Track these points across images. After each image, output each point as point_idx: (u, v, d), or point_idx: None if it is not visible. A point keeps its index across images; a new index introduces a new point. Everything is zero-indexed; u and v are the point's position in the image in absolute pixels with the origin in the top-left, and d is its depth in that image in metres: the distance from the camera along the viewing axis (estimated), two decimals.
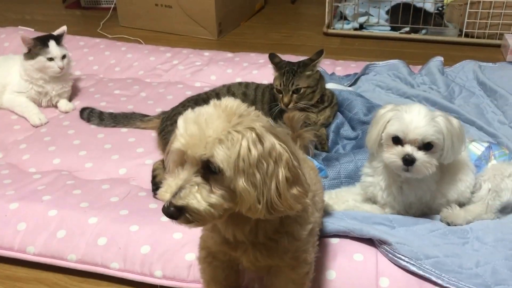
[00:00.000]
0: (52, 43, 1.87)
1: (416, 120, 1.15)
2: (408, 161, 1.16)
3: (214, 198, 0.79)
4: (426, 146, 1.15)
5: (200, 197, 0.78)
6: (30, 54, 1.86)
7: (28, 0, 3.81)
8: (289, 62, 1.61)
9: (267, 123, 0.83)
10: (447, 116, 1.20)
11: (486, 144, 1.32)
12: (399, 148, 1.17)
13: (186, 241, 1.24)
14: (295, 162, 0.82)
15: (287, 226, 0.90)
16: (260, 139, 0.79)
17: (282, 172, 0.80)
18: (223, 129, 0.78)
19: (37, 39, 1.89)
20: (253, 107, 0.85)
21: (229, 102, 0.83)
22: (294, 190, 0.82)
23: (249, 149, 0.78)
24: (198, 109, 0.83)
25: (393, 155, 1.18)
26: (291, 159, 0.81)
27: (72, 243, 1.24)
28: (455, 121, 1.20)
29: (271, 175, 0.79)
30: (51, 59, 1.86)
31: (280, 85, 1.55)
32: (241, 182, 0.78)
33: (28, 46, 1.86)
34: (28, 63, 1.86)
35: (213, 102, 0.83)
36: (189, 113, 0.82)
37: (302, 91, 1.54)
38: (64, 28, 1.95)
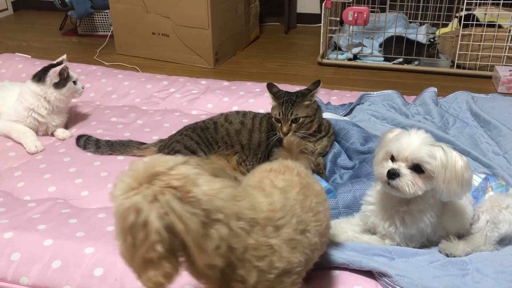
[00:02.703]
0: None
1: (411, 141, 1.16)
2: (391, 174, 1.16)
3: None
4: (417, 168, 1.15)
5: None
6: (61, 83, 1.89)
7: (25, 27, 3.85)
8: (287, 92, 1.63)
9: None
10: (450, 152, 1.16)
11: (483, 176, 1.33)
12: (390, 163, 1.19)
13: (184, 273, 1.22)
14: None
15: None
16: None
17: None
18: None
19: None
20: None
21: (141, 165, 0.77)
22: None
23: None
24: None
25: (382, 167, 1.19)
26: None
27: (67, 274, 1.22)
28: (459, 163, 1.14)
29: None
30: (75, 82, 1.94)
31: (279, 115, 1.57)
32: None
33: (64, 75, 1.90)
34: (60, 92, 1.89)
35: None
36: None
37: (301, 120, 1.56)
38: (64, 56, 1.97)
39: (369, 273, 1.18)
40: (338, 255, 1.20)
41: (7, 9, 4.14)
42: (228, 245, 0.80)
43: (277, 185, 0.97)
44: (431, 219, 1.24)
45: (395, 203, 1.24)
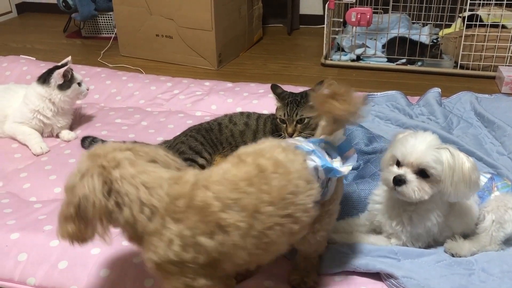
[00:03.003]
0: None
1: (416, 145, 1.16)
2: (397, 180, 1.16)
3: None
4: (422, 173, 1.15)
5: None
6: (66, 85, 1.91)
7: (29, 29, 3.86)
8: (291, 93, 1.63)
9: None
10: (457, 154, 1.15)
11: (488, 175, 1.33)
12: (395, 168, 1.19)
13: None
14: None
15: None
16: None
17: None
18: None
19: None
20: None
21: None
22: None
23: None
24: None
25: (388, 173, 1.19)
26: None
27: (74, 275, 1.23)
28: (467, 164, 1.14)
29: None
30: (79, 84, 1.95)
31: (284, 115, 1.57)
32: None
33: (67, 77, 1.91)
34: (65, 94, 1.90)
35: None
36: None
37: (306, 121, 1.56)
38: (68, 58, 1.98)
39: (375, 275, 1.19)
40: (344, 259, 1.20)
41: (11, 11, 4.16)
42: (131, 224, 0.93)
43: (209, 177, 0.96)
44: (438, 219, 1.24)
45: (403, 203, 1.24)
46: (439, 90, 2.18)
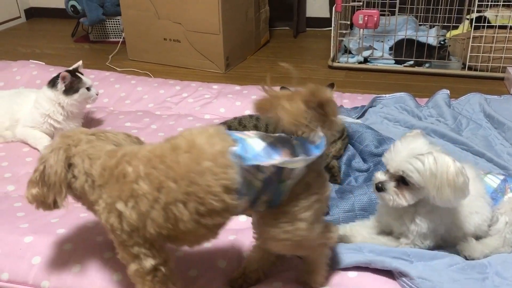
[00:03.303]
0: (81, 75, 1.95)
1: (398, 152, 1.18)
2: (378, 188, 1.21)
3: None
4: (403, 180, 1.17)
5: None
6: (72, 89, 1.90)
7: (37, 34, 3.90)
8: None
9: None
10: (442, 158, 1.13)
11: (501, 177, 1.33)
12: (379, 174, 1.23)
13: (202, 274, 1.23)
14: None
15: None
16: None
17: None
18: None
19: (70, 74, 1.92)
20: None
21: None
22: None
23: None
24: None
25: (374, 178, 1.23)
26: None
27: (87, 278, 1.23)
28: (452, 169, 1.12)
29: None
30: (88, 88, 1.95)
31: None
32: None
33: (66, 83, 1.89)
34: (72, 98, 1.90)
35: None
36: None
37: None
38: (79, 63, 2.00)
39: (389, 273, 1.19)
40: (356, 256, 1.20)
41: (20, 17, 4.20)
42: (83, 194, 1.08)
43: (137, 152, 1.04)
44: (443, 219, 1.24)
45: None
46: (448, 91, 2.18)
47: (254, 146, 1.02)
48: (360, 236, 1.33)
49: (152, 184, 0.99)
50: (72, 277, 1.24)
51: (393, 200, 1.19)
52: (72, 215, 1.46)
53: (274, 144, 1.04)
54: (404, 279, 1.15)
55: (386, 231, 1.35)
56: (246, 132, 1.08)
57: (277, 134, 1.08)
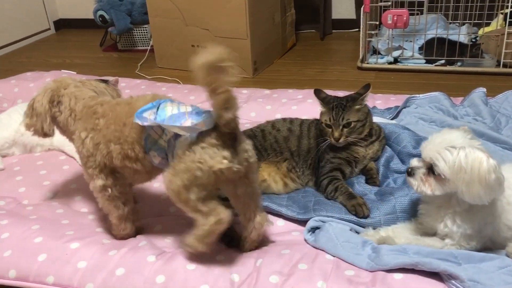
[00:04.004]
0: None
1: (432, 140, 1.21)
2: (408, 172, 1.25)
3: None
4: (433, 169, 1.18)
5: None
6: None
7: (67, 44, 3.98)
8: (336, 97, 1.62)
9: None
10: (475, 154, 1.12)
11: None
12: (415, 160, 1.26)
13: (242, 281, 1.22)
14: None
15: None
16: None
17: None
18: None
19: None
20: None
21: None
22: None
23: None
24: None
25: (409, 163, 1.27)
26: None
27: (131, 281, 1.24)
28: (484, 165, 1.10)
29: None
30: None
31: (330, 120, 1.56)
32: None
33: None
34: None
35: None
36: None
37: (352, 125, 1.54)
38: (116, 78, 2.04)
39: (436, 276, 1.16)
40: (401, 258, 1.18)
41: (49, 28, 4.30)
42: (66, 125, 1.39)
43: (109, 102, 1.36)
44: (487, 219, 1.21)
45: (442, 204, 1.24)
46: (484, 89, 2.12)
47: (166, 112, 1.18)
48: (404, 238, 1.31)
49: (105, 124, 1.29)
50: (116, 280, 1.25)
51: (417, 186, 1.22)
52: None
53: (185, 113, 1.17)
54: (453, 281, 1.11)
55: (429, 234, 1.32)
56: (181, 103, 1.23)
57: (195, 106, 1.22)
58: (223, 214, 1.19)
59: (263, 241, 1.37)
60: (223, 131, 1.14)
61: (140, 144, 1.24)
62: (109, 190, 1.34)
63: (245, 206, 1.30)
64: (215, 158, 1.14)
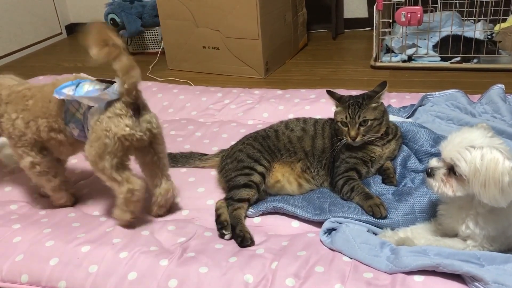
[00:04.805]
0: None
1: (452, 140, 1.17)
2: (427, 173, 1.21)
3: None
4: (453, 169, 1.15)
5: None
6: None
7: (78, 48, 3.99)
8: (351, 96, 1.58)
9: None
10: (492, 154, 1.08)
11: None
12: (434, 160, 1.22)
13: (256, 283, 1.19)
14: None
15: None
16: None
17: None
18: None
19: None
20: None
21: None
22: None
23: None
24: None
25: (428, 163, 1.23)
26: None
27: (144, 285, 1.22)
28: (500, 166, 1.07)
29: None
30: None
31: (346, 118, 1.52)
32: None
33: None
34: None
35: None
36: None
37: (369, 123, 1.51)
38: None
39: (458, 278, 1.12)
40: (422, 259, 1.14)
41: (61, 33, 4.32)
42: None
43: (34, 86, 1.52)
44: (510, 220, 1.17)
45: (463, 204, 1.20)
46: (503, 86, 2.07)
47: (83, 89, 1.35)
48: (424, 239, 1.27)
49: (34, 103, 1.44)
50: (128, 284, 1.23)
51: (438, 187, 1.18)
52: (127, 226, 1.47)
53: (99, 89, 1.34)
54: (477, 283, 1.07)
55: (449, 235, 1.28)
56: (94, 82, 1.40)
57: (110, 85, 1.36)
58: (134, 183, 1.38)
59: (277, 242, 1.34)
60: (127, 101, 1.33)
61: (61, 117, 1.42)
62: (37, 167, 1.50)
63: (152, 173, 1.48)
64: (119, 126, 1.32)
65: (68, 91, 1.36)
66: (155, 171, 1.48)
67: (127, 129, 1.33)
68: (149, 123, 1.40)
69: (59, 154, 1.55)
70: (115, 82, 1.60)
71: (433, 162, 1.21)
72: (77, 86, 1.37)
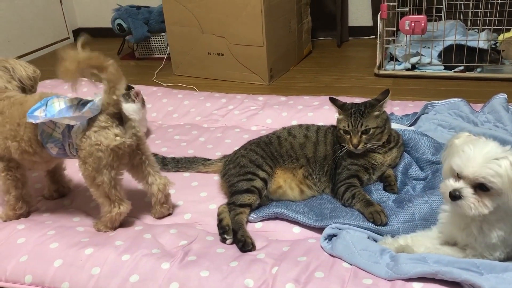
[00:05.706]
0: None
1: (473, 157, 1.10)
2: (453, 196, 1.12)
3: None
4: (482, 187, 1.10)
5: None
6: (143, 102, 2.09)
7: None
8: (354, 104, 1.60)
9: None
10: None
11: None
12: (451, 181, 1.14)
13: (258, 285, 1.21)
14: None
15: None
16: None
17: None
18: None
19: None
20: None
21: None
22: None
23: None
24: None
25: (445, 186, 1.15)
26: None
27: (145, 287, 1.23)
28: None
29: None
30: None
31: (348, 126, 1.53)
32: None
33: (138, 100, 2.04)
34: (141, 112, 2.07)
35: None
36: None
37: (371, 131, 1.52)
38: (137, 90, 2.09)
39: (456, 286, 1.12)
40: (421, 266, 1.15)
41: (68, 37, 4.37)
42: None
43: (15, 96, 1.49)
44: None
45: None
46: (505, 95, 2.08)
47: (55, 108, 1.32)
48: (423, 247, 1.27)
49: (2, 121, 1.41)
50: (130, 286, 1.24)
51: (473, 208, 1.11)
52: (129, 229, 1.48)
53: (71, 106, 1.33)
54: None
55: (450, 242, 1.28)
56: (66, 97, 1.38)
57: (81, 99, 1.37)
58: (124, 208, 1.43)
59: (278, 247, 1.35)
60: (111, 112, 1.34)
61: (37, 140, 1.39)
62: (10, 173, 1.49)
63: (144, 173, 1.50)
64: (108, 137, 1.34)
65: (40, 113, 1.34)
66: (147, 170, 1.51)
67: (118, 138, 1.35)
68: (133, 128, 1.42)
69: (32, 168, 1.56)
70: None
71: (453, 184, 1.14)
72: (46, 105, 1.35)
